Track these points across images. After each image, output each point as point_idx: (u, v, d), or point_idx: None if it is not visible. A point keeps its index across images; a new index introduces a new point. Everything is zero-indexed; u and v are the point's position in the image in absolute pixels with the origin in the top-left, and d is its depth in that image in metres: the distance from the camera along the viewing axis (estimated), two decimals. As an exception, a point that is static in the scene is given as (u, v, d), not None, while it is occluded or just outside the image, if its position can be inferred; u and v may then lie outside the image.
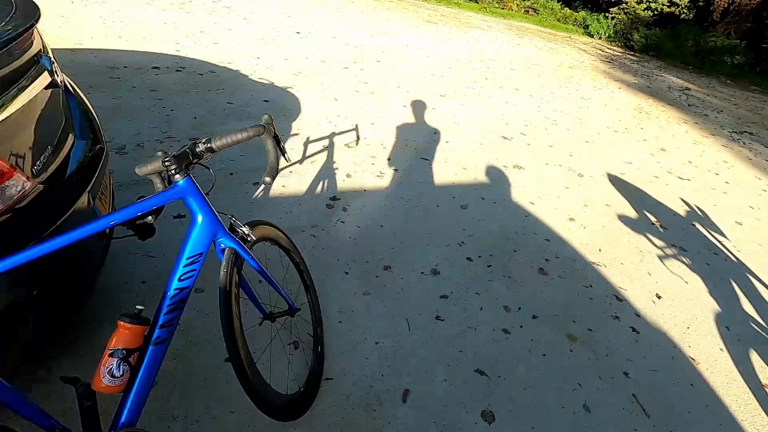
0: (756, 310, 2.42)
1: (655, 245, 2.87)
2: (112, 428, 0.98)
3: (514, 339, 1.93)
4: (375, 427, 1.45)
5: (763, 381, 1.95)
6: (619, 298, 2.32)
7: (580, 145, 4.33)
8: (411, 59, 5.97)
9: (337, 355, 1.68)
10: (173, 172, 1.06)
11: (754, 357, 2.07)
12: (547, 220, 2.92)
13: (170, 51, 4.38)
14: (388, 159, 3.28)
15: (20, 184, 1.07)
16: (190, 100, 3.50)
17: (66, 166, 1.34)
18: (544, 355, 1.88)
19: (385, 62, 5.60)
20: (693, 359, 2.01)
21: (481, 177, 3.34)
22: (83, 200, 1.30)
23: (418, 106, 4.44)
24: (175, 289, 1.06)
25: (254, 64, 4.52)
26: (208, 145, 1.09)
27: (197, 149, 1.09)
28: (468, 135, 4.02)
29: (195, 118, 3.24)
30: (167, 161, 1.04)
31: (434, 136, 3.86)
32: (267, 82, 4.21)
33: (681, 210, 3.42)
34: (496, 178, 3.37)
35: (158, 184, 1.12)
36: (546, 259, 2.52)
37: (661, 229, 3.08)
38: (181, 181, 1.07)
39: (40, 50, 1.28)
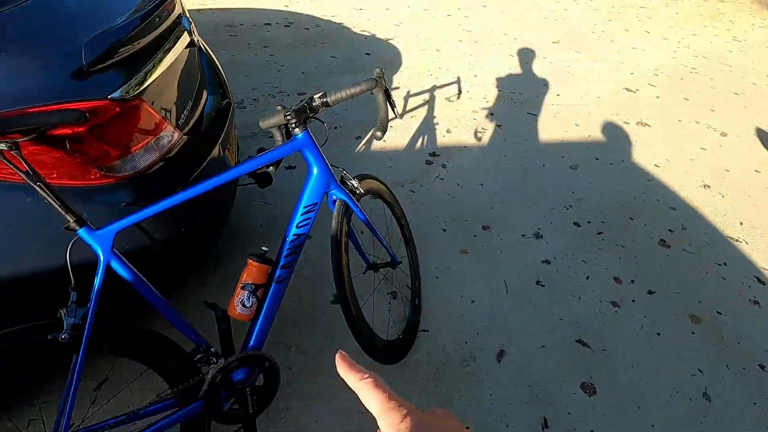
0: None
1: (820, 222, 2.37)
2: (242, 350, 1.14)
3: (624, 313, 1.79)
4: (469, 381, 1.49)
5: None
6: (762, 281, 1.99)
7: (726, 97, 3.63)
8: (520, 1, 5.42)
9: (433, 309, 1.72)
10: (293, 125, 1.12)
11: None
12: (675, 186, 2.56)
13: (280, 6, 4.54)
14: (491, 113, 3.11)
15: (170, 135, 1.22)
16: (298, 55, 3.63)
17: (202, 120, 1.50)
18: (658, 334, 1.72)
19: (491, 6, 5.17)
20: None
21: (596, 135, 3.01)
22: (216, 151, 1.45)
23: (527, 55, 4.07)
24: (294, 235, 1.16)
25: (356, 16, 4.50)
26: (324, 99, 1.12)
27: (314, 104, 1.13)
28: (583, 87, 3.61)
29: (303, 72, 3.37)
30: (288, 115, 1.10)
31: (543, 88, 3.53)
32: (369, 34, 4.18)
33: None
34: (615, 136, 3.01)
35: (278, 137, 1.20)
36: (670, 230, 2.24)
37: (830, 203, 2.52)
38: (300, 135, 1.13)
39: (180, 13, 1.41)
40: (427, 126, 2.90)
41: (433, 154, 2.63)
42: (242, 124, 2.63)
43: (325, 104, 1.13)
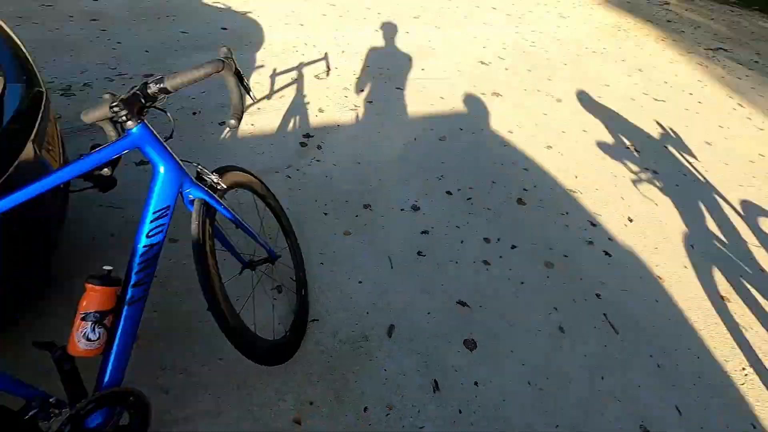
0: (719, 228, 2.54)
1: (630, 169, 2.91)
2: (95, 390, 0.96)
3: (494, 269, 1.99)
4: (363, 361, 1.51)
5: (722, 293, 2.09)
6: (594, 224, 2.39)
7: (558, 67, 4.19)
8: (381, -25, 5.46)
9: (320, 296, 1.69)
10: (124, 118, 0.94)
11: (716, 272, 2.21)
12: (526, 149, 2.89)
13: (106, -29, 3.84)
14: (362, 90, 3.11)
15: (-55, 140, 0.94)
16: (140, 31, 3.14)
17: (1, 115, 1.19)
18: (522, 282, 1.95)
19: (352, -20, 5.11)
20: (660, 277, 2.13)
21: (459, 106, 3.22)
22: (28, 151, 1.17)
23: (391, 30, 4.14)
24: (144, 246, 1.00)
25: (206, -15, 4.05)
26: (161, 85, 0.96)
27: (149, 90, 0.97)
28: (444, 61, 3.82)
29: (147, 51, 2.93)
30: (115, 106, 0.92)
31: (409, 63, 3.65)
32: (223, 7, 3.81)
33: (655, 132, 3.44)
34: (475, 106, 3.27)
35: (110, 132, 1.01)
36: (524, 189, 2.53)
37: (635, 153, 3.11)
38: (134, 129, 0.96)
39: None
40: (298, 106, 2.78)
41: (307, 136, 2.54)
42: (72, 115, 2.20)
43: (164, 90, 0.97)
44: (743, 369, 1.75)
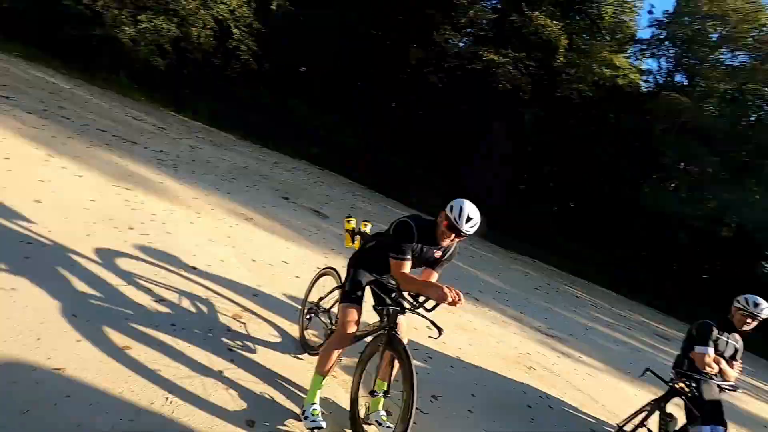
0: (89, 285, 2.61)
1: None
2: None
3: None
4: None
5: (122, 345, 2.22)
6: None
7: None
8: None
9: None
10: None
11: (107, 329, 2.28)
12: None
13: None
14: None
15: None
16: None
17: None
18: None
19: None
20: (60, 369, 1.93)
21: None
22: None
23: None
24: None
25: None
26: None
27: None
28: None
29: None
30: None
31: None
32: None
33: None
34: None
35: None
36: None
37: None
38: None
39: None
40: None
41: None
42: None
43: None
44: (167, 398, 2.02)
